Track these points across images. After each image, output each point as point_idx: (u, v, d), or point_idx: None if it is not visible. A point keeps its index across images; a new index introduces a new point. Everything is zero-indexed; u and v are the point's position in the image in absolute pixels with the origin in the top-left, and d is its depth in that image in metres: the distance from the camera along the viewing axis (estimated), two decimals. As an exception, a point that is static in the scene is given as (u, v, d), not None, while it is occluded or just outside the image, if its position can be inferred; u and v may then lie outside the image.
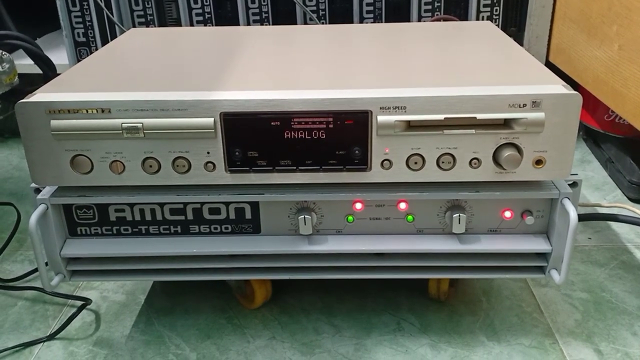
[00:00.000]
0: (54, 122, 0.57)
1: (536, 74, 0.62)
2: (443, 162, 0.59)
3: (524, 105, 0.56)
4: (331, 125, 0.57)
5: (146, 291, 0.83)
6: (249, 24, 1.16)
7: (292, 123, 0.57)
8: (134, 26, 1.17)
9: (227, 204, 0.64)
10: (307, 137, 0.58)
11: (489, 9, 1.14)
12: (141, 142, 0.58)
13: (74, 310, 0.78)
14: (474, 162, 0.59)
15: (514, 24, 1.16)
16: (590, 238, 0.92)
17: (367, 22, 1.15)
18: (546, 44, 1.16)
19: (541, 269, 0.65)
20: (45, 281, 0.63)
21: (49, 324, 0.77)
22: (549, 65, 1.14)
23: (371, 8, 1.14)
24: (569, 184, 0.62)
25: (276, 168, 0.59)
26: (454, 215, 0.62)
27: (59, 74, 0.70)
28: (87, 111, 0.57)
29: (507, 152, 0.57)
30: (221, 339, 0.74)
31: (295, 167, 0.59)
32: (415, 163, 0.59)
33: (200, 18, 1.16)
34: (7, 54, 0.91)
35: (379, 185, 0.61)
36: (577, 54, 1.03)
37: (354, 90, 0.58)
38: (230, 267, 0.66)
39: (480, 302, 0.79)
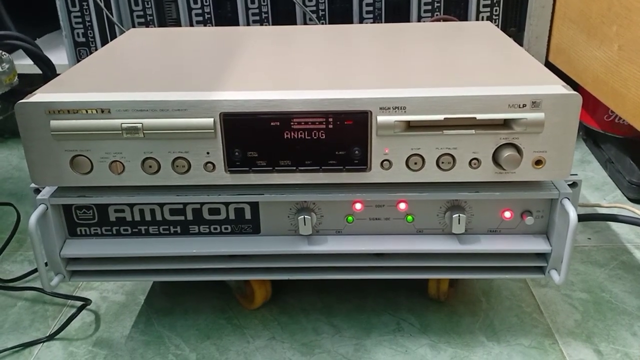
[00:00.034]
0: (54, 123, 0.57)
1: (536, 74, 0.62)
2: (443, 163, 0.59)
3: (524, 105, 0.56)
4: (331, 126, 0.57)
5: (146, 291, 0.83)
6: (248, 24, 1.16)
7: (292, 123, 0.57)
8: (134, 26, 1.17)
9: (226, 204, 0.64)
10: (306, 137, 0.58)
11: (488, 9, 1.14)
12: (141, 142, 0.58)
13: (73, 310, 0.78)
14: (474, 163, 0.59)
15: (513, 24, 1.16)
16: (590, 238, 0.92)
17: (366, 23, 1.15)
18: (546, 44, 1.17)
19: (541, 269, 0.65)
20: (44, 281, 0.63)
21: (48, 325, 0.77)
22: (549, 65, 1.14)
23: (371, 8, 1.14)
24: (568, 184, 0.62)
25: (276, 168, 0.59)
26: (454, 216, 0.62)
27: (58, 74, 0.70)
28: (86, 111, 0.57)
29: (507, 153, 0.57)
30: (221, 339, 0.74)
31: (295, 168, 0.59)
32: (415, 163, 0.59)
33: (200, 18, 1.16)
34: (7, 54, 0.91)
35: (378, 185, 0.61)
36: (577, 54, 1.03)
37: (353, 90, 0.58)
38: (229, 267, 0.66)
39: (480, 302, 0.79)
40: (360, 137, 0.58)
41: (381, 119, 0.57)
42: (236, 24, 1.15)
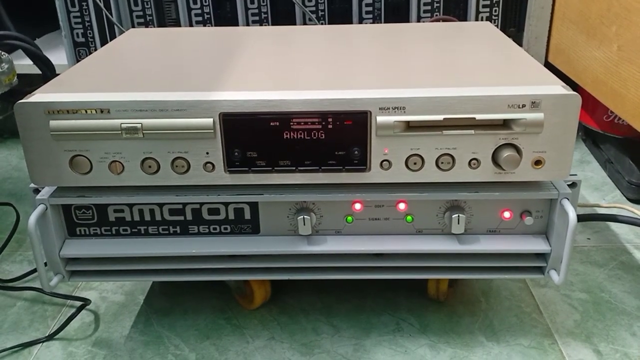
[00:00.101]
0: (53, 123, 0.57)
1: (535, 75, 0.62)
2: (442, 163, 0.59)
3: (523, 105, 0.56)
4: (330, 126, 0.57)
5: (145, 291, 0.83)
6: (248, 25, 1.16)
7: (292, 123, 0.57)
8: (133, 26, 1.17)
9: (226, 204, 0.64)
10: (306, 137, 0.58)
11: (488, 9, 1.14)
12: (140, 142, 0.58)
13: (73, 310, 0.78)
14: (473, 163, 0.59)
15: (513, 24, 1.17)
16: (589, 238, 0.92)
17: (366, 23, 1.15)
18: (545, 44, 1.17)
19: (540, 270, 0.65)
20: (44, 281, 0.63)
21: (48, 325, 0.77)
22: (548, 65, 1.14)
23: (370, 8, 1.14)
24: (568, 185, 0.62)
25: (275, 168, 0.59)
26: (453, 216, 0.62)
27: (58, 74, 0.70)
28: (86, 111, 0.57)
29: (506, 153, 0.57)
30: (220, 339, 0.74)
31: (294, 168, 0.59)
32: (415, 163, 0.59)
33: (200, 18, 1.16)
34: (6, 54, 0.91)
35: (378, 185, 0.61)
36: (576, 54, 1.03)
37: (353, 90, 0.58)
38: (229, 267, 0.66)
39: (479, 302, 0.79)
40: (359, 137, 0.58)
41: (381, 119, 0.57)
42: (236, 24, 1.15)
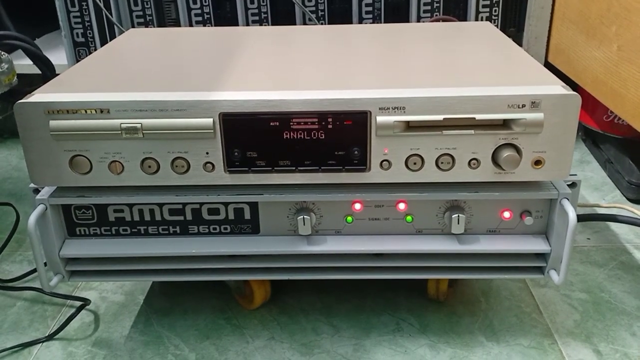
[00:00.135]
0: (53, 123, 0.57)
1: (535, 75, 0.62)
2: (442, 163, 0.59)
3: (523, 105, 0.56)
4: (330, 126, 0.57)
5: (145, 291, 0.83)
6: (248, 25, 1.16)
7: (291, 123, 0.57)
8: (133, 26, 1.17)
9: (226, 204, 0.64)
10: (306, 137, 0.58)
11: (488, 9, 1.14)
12: (140, 142, 0.58)
13: (72, 310, 0.78)
14: (473, 163, 0.59)
15: (513, 24, 1.17)
16: (589, 238, 0.92)
17: (366, 23, 1.15)
18: (545, 44, 1.17)
19: (540, 270, 0.65)
20: (44, 281, 0.63)
21: (47, 325, 0.77)
22: (548, 65, 1.14)
23: (370, 8, 1.14)
24: (568, 185, 0.62)
25: (275, 168, 0.59)
26: (453, 216, 0.62)
27: (57, 74, 0.70)
28: (86, 111, 0.57)
29: (506, 153, 0.57)
30: (220, 339, 0.74)
31: (294, 168, 0.59)
32: (415, 163, 0.59)
33: (200, 18, 1.16)
34: (6, 54, 0.91)
35: (378, 185, 0.61)
36: (576, 54, 1.03)
37: (353, 90, 0.58)
38: (229, 267, 0.66)
39: (479, 302, 0.79)
40: (359, 137, 0.58)
41: (380, 119, 0.57)
42: (235, 24, 1.15)
